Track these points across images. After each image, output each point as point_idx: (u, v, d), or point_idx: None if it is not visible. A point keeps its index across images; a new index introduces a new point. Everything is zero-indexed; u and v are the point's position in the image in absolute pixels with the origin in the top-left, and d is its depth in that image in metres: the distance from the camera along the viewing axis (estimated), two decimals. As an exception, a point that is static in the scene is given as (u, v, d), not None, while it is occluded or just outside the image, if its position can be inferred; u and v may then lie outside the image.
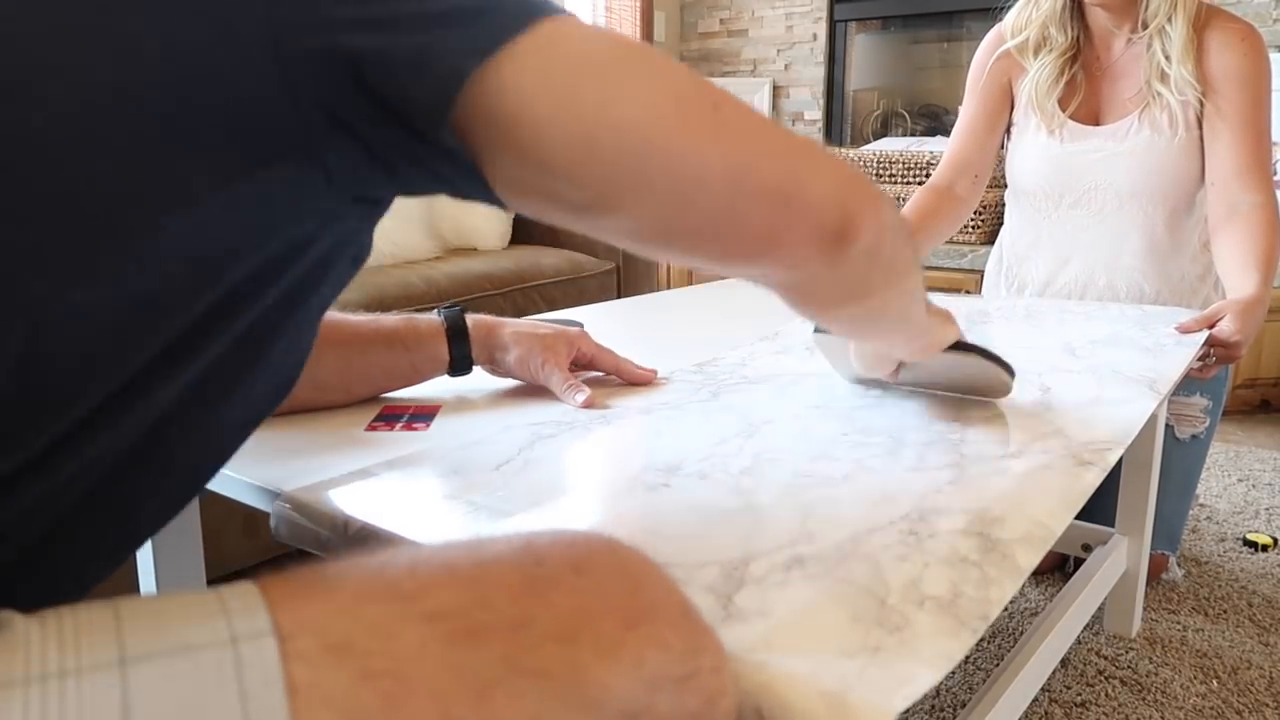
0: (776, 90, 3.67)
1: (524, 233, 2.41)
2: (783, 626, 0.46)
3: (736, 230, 0.46)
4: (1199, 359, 1.15)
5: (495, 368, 0.88)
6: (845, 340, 0.84)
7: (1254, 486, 1.91)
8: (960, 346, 0.79)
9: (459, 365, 0.85)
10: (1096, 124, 1.49)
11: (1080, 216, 1.51)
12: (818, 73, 3.58)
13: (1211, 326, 1.19)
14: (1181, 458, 1.48)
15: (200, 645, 0.34)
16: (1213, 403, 1.50)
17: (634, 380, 0.91)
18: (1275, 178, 1.49)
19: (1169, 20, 1.39)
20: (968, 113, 1.62)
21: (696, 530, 0.57)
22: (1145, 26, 1.42)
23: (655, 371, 0.93)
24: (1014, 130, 1.60)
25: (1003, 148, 1.64)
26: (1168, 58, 1.40)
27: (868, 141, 3.41)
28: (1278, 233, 1.31)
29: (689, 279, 3.32)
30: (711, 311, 1.36)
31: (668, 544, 0.55)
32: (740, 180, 0.45)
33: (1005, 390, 0.85)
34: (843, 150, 3.13)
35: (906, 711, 0.40)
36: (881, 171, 3.03)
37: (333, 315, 0.78)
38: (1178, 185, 1.44)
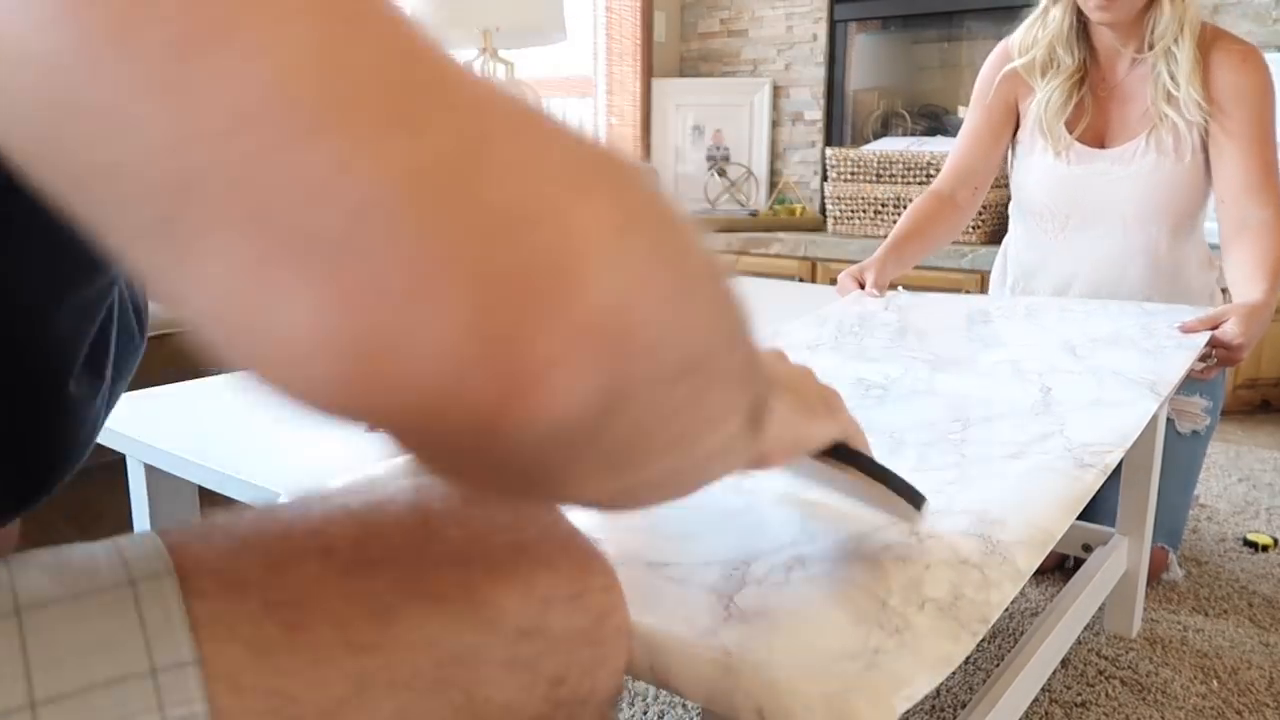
0: (777, 90, 3.67)
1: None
2: (783, 627, 0.46)
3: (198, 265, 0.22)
4: (1200, 359, 1.16)
5: None
6: None
7: (1254, 486, 1.91)
8: (840, 455, 0.50)
9: None
10: (1102, 146, 1.51)
11: (1086, 238, 1.53)
12: (818, 73, 3.58)
13: (1214, 328, 1.19)
14: (1182, 453, 1.49)
15: (98, 587, 0.34)
16: (1212, 403, 1.51)
17: None
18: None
19: (1175, 41, 1.40)
20: (972, 123, 1.63)
21: (697, 530, 0.57)
22: (1150, 47, 1.43)
23: None
24: (1020, 148, 1.61)
25: (1007, 161, 1.65)
26: (1174, 79, 1.41)
27: (868, 141, 3.41)
28: None
29: (689, 279, 3.32)
30: (712, 311, 1.36)
31: (668, 544, 0.55)
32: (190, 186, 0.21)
33: (907, 518, 0.58)
34: (842, 150, 3.13)
35: (906, 712, 0.40)
36: (882, 172, 3.03)
37: None
38: (1184, 206, 1.46)
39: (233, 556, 0.36)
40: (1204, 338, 1.16)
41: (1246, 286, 1.29)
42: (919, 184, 2.97)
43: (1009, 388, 0.90)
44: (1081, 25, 1.50)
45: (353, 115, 0.21)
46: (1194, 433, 1.50)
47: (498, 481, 0.29)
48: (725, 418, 0.31)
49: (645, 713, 1.14)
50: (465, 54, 2.94)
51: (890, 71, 3.63)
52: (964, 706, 1.12)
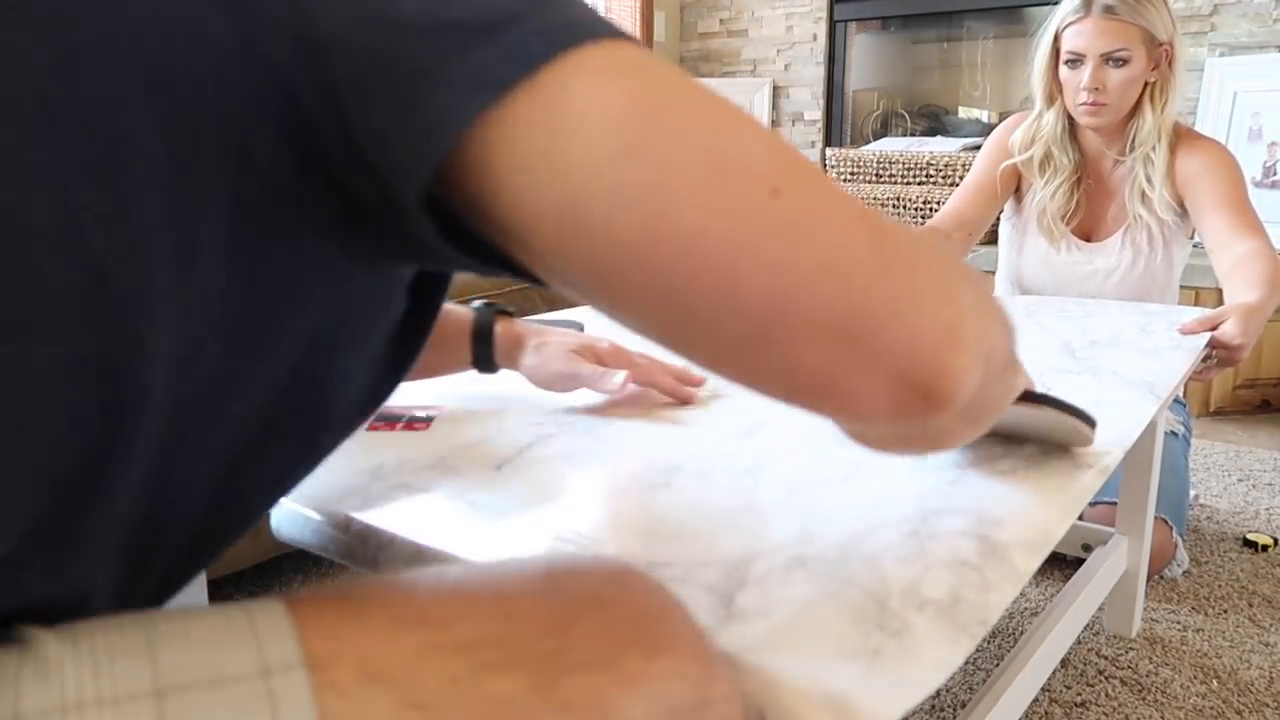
0: (776, 90, 3.67)
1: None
2: (784, 628, 0.46)
3: (779, 365, 0.34)
4: (1200, 359, 1.17)
5: (519, 370, 0.87)
6: None
7: (1254, 486, 1.91)
8: (1030, 397, 0.66)
9: (482, 365, 0.85)
10: (1088, 239, 1.65)
11: None
12: (818, 73, 3.58)
13: (1214, 329, 1.21)
14: (1166, 446, 1.52)
15: (233, 677, 0.34)
16: (1183, 417, 1.64)
17: (677, 397, 0.84)
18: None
19: (1153, 149, 1.54)
20: (976, 178, 1.75)
21: (697, 530, 0.57)
22: (1132, 149, 1.57)
23: (703, 381, 0.86)
24: (1017, 226, 1.74)
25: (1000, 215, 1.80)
26: (1150, 181, 1.55)
27: (867, 142, 3.41)
28: (1276, 264, 1.39)
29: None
30: (712, 312, 1.36)
31: (668, 544, 0.55)
32: (788, 305, 0.32)
33: (1086, 441, 0.73)
34: (842, 151, 3.13)
35: (906, 712, 0.41)
36: (881, 172, 3.03)
37: None
38: (1157, 296, 1.62)
39: (369, 646, 0.36)
40: (1203, 339, 1.16)
41: (1243, 296, 1.33)
42: (918, 184, 2.97)
43: (1009, 388, 0.90)
44: (1071, 127, 1.64)
45: (893, 263, 0.34)
46: (1170, 433, 1.58)
47: (909, 442, 0.46)
48: (1015, 384, 0.49)
49: (645, 713, 1.15)
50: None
51: (890, 71, 3.63)
52: (964, 706, 1.12)
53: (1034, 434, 0.73)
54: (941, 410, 0.36)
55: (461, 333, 0.83)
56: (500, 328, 0.85)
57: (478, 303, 0.87)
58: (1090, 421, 0.70)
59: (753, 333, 0.33)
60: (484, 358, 0.84)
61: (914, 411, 0.36)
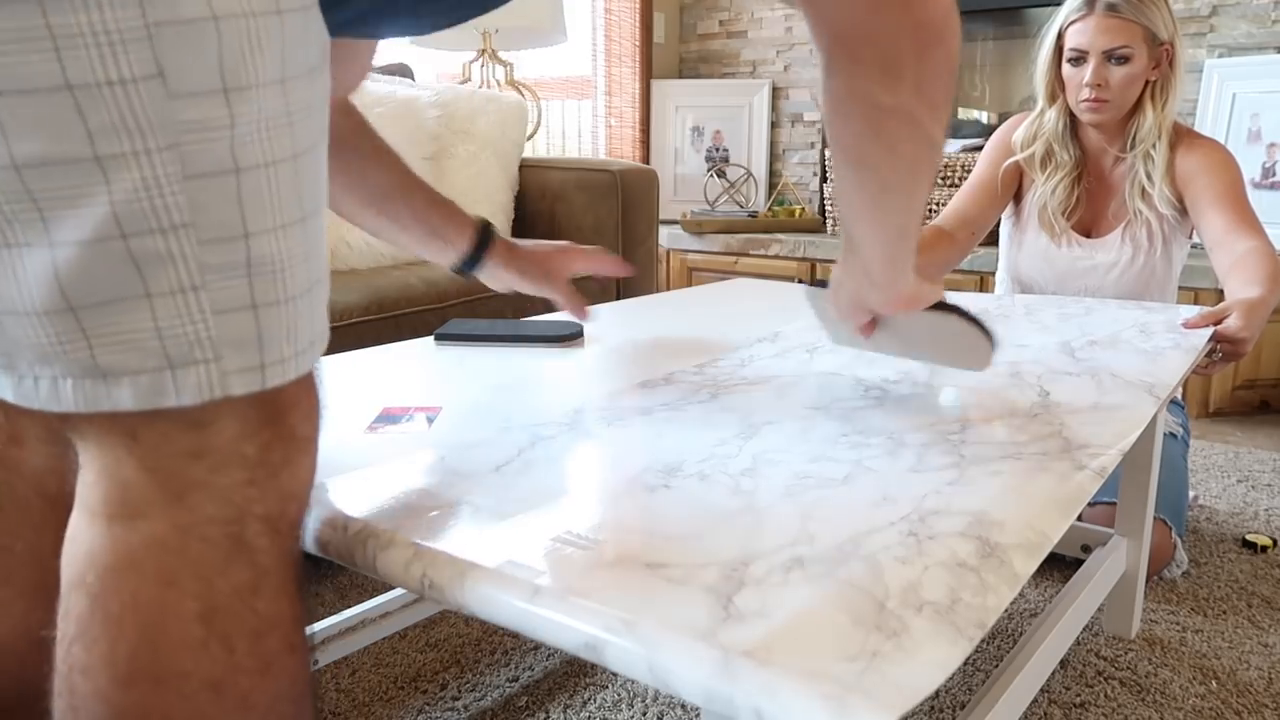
0: (776, 92, 3.67)
1: (523, 235, 2.41)
2: (782, 628, 0.46)
3: None
4: (1205, 354, 1.18)
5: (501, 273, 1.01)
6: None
7: (1254, 487, 1.92)
8: (941, 307, 0.76)
9: (467, 267, 0.98)
10: (1088, 235, 1.67)
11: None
12: (817, 74, 3.58)
13: (1217, 323, 1.22)
14: (1165, 448, 1.52)
15: None
16: (1181, 419, 1.65)
17: (622, 271, 1.04)
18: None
19: (1153, 146, 1.57)
20: (979, 177, 1.76)
21: (696, 531, 0.57)
22: (1132, 148, 1.59)
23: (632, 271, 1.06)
24: (1019, 222, 1.74)
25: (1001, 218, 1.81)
26: (1150, 178, 1.57)
27: (867, 142, 3.41)
28: (1276, 261, 1.39)
29: (689, 280, 3.32)
30: (711, 312, 1.36)
31: (668, 544, 0.55)
32: None
33: (984, 362, 0.80)
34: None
35: (905, 713, 0.41)
36: (881, 172, 3.03)
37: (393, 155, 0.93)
38: (1156, 293, 1.63)
39: None
40: (1203, 337, 1.17)
41: (1243, 292, 1.34)
42: (918, 185, 2.97)
43: (1007, 389, 0.90)
44: (1073, 125, 1.65)
45: None
46: (1169, 434, 1.59)
47: (881, 52, 0.62)
48: (936, 158, 0.71)
49: (645, 713, 1.15)
50: (465, 55, 2.94)
51: (890, 72, 3.62)
52: (963, 707, 1.12)
53: (940, 351, 0.82)
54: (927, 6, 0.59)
55: (461, 235, 0.97)
56: (494, 250, 0.99)
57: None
58: (991, 339, 0.78)
59: None
60: (473, 260, 0.98)
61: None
